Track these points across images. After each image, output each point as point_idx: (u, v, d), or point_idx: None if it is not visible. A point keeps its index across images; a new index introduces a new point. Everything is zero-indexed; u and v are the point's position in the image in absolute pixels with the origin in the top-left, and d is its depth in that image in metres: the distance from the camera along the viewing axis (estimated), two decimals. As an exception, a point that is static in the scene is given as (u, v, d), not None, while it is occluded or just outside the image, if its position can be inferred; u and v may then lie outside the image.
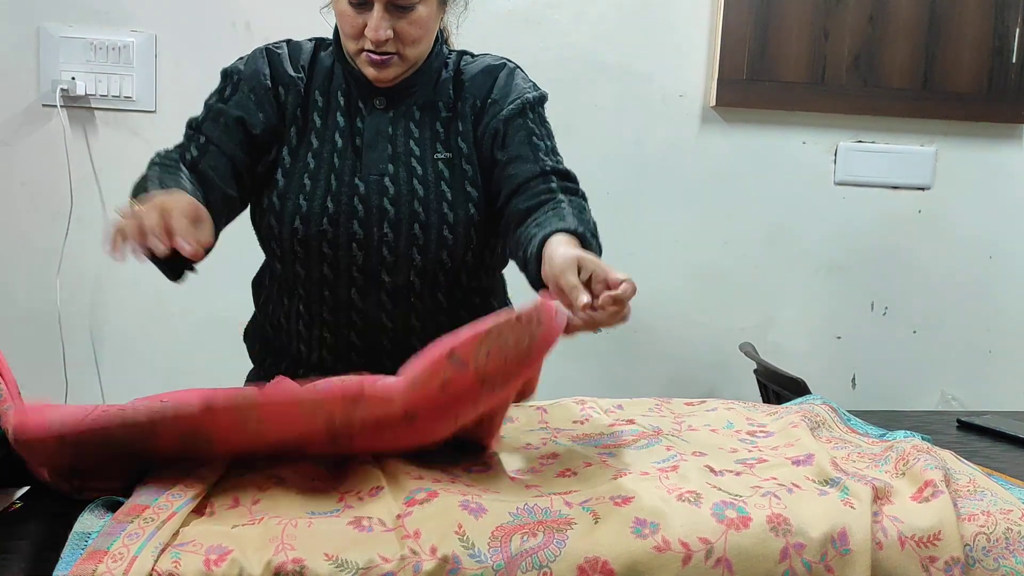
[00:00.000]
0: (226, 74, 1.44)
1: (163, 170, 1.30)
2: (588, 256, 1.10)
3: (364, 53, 1.36)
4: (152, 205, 1.06)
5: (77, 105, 2.23)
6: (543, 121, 1.47)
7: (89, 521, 0.91)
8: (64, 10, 2.21)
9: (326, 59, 1.45)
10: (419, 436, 1.03)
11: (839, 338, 2.55)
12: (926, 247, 2.53)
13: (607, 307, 1.05)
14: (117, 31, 2.23)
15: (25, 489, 1.02)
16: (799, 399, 1.48)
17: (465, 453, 1.10)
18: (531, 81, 1.50)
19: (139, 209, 1.06)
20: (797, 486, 1.01)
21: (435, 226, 1.40)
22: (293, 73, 1.43)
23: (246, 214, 1.50)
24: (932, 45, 2.43)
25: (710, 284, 2.48)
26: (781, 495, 0.98)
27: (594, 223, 1.30)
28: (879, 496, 1.00)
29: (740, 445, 1.19)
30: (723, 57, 2.37)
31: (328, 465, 1.05)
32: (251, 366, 1.57)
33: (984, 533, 0.97)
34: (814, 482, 1.03)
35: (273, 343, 1.53)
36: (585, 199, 1.40)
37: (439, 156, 1.42)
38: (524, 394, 1.18)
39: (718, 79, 2.37)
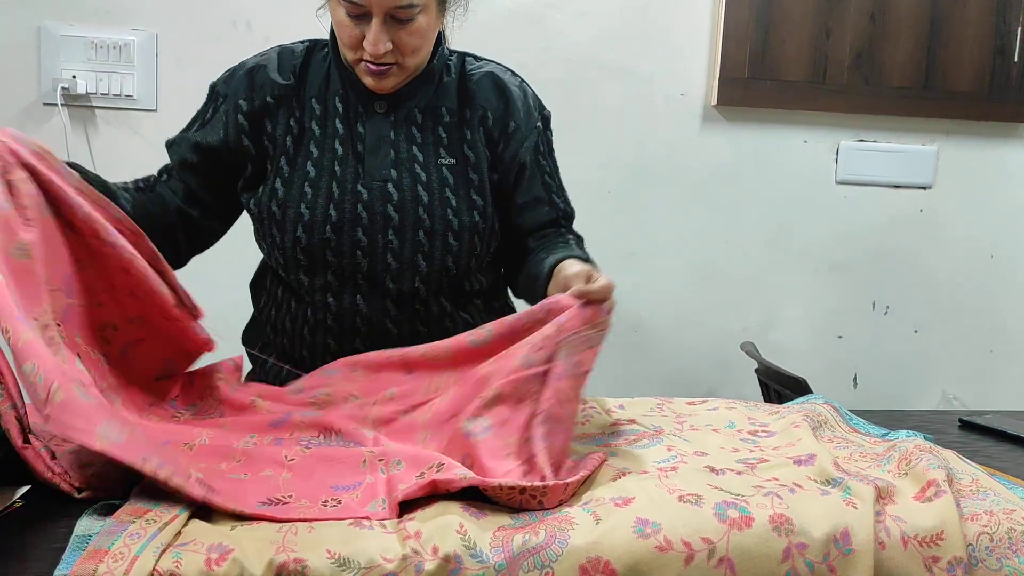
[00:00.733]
0: (211, 91, 1.46)
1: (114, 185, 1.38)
2: (598, 273, 1.19)
3: (363, 63, 1.35)
4: None
5: (78, 104, 2.23)
6: (551, 150, 1.52)
7: (89, 524, 0.91)
8: (65, 9, 2.21)
9: (321, 63, 1.44)
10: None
11: (840, 337, 2.54)
12: (927, 246, 2.53)
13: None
14: (118, 30, 2.23)
15: (26, 488, 1.02)
16: (801, 399, 1.48)
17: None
18: (537, 98, 1.52)
19: None
20: (799, 486, 1.01)
21: (440, 233, 1.39)
22: (283, 82, 1.42)
23: (244, 218, 1.50)
24: (934, 44, 2.43)
25: (711, 283, 2.47)
26: (783, 495, 0.98)
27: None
28: (882, 496, 1.00)
29: (742, 445, 1.19)
30: (724, 56, 2.37)
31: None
32: (250, 367, 1.57)
33: (987, 533, 0.96)
34: (816, 482, 1.03)
35: (274, 345, 1.52)
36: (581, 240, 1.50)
37: (443, 162, 1.42)
38: None
39: (719, 78, 2.37)
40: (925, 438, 1.23)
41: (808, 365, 2.42)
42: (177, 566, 0.83)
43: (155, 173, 1.48)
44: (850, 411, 1.37)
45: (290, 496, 0.98)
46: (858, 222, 2.50)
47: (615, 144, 2.40)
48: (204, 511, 0.95)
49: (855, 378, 2.56)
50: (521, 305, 1.50)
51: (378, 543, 0.88)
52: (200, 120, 1.46)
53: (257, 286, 1.57)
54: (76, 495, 1.01)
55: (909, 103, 2.43)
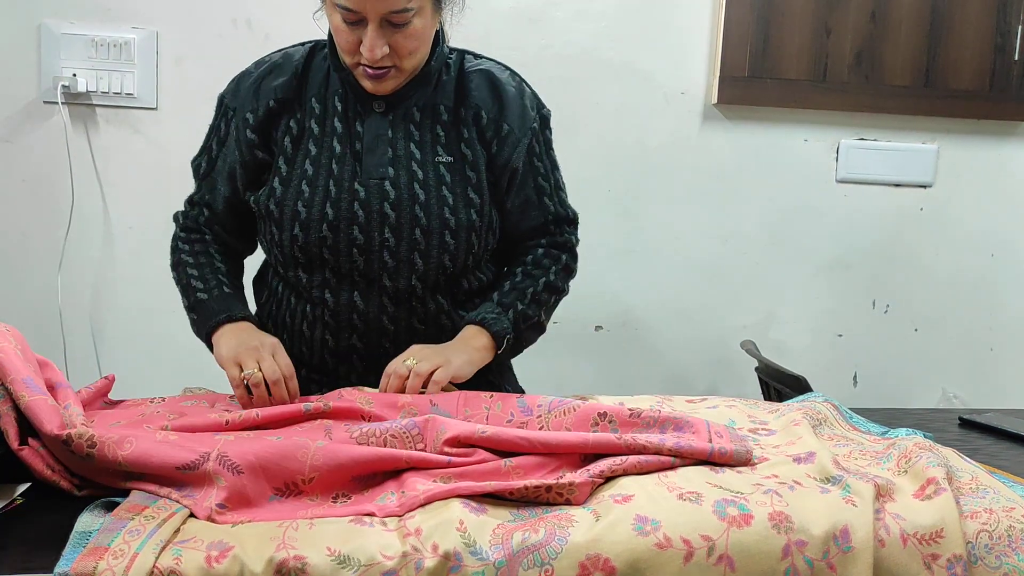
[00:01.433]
0: (220, 104, 1.48)
1: (202, 271, 1.45)
2: (410, 354, 1.33)
3: (361, 67, 1.35)
4: (270, 360, 1.29)
5: (78, 102, 2.23)
6: (548, 150, 1.51)
7: (89, 520, 0.91)
8: (65, 7, 2.20)
9: (322, 63, 1.44)
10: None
11: (840, 336, 2.54)
12: (928, 245, 2.53)
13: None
14: (118, 28, 2.23)
15: (27, 486, 1.02)
16: (801, 397, 1.48)
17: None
18: (536, 97, 1.51)
19: (264, 361, 1.29)
20: (799, 484, 1.01)
21: (437, 231, 1.39)
22: (285, 85, 1.42)
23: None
24: (934, 42, 2.42)
25: (711, 281, 2.47)
26: (783, 493, 0.98)
27: (525, 298, 1.45)
28: (881, 494, 1.00)
29: (742, 443, 1.19)
30: (725, 54, 2.37)
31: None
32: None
33: (986, 531, 0.96)
34: (816, 480, 1.03)
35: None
36: (566, 248, 1.52)
37: (440, 160, 1.42)
38: None
39: (720, 76, 2.37)
40: (925, 436, 1.23)
41: (808, 363, 2.43)
42: (177, 563, 0.83)
43: (195, 217, 1.51)
44: (850, 409, 1.37)
45: (311, 479, 0.98)
46: (858, 220, 2.50)
47: (615, 142, 2.40)
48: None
49: (855, 376, 2.56)
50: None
51: (378, 540, 0.88)
52: (216, 135, 1.48)
53: (259, 283, 1.58)
54: (76, 492, 1.01)
55: (910, 102, 2.43)
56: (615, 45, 2.37)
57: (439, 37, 1.43)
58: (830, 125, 2.46)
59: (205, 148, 1.50)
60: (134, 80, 2.23)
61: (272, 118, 1.43)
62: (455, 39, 1.51)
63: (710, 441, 1.09)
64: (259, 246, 1.53)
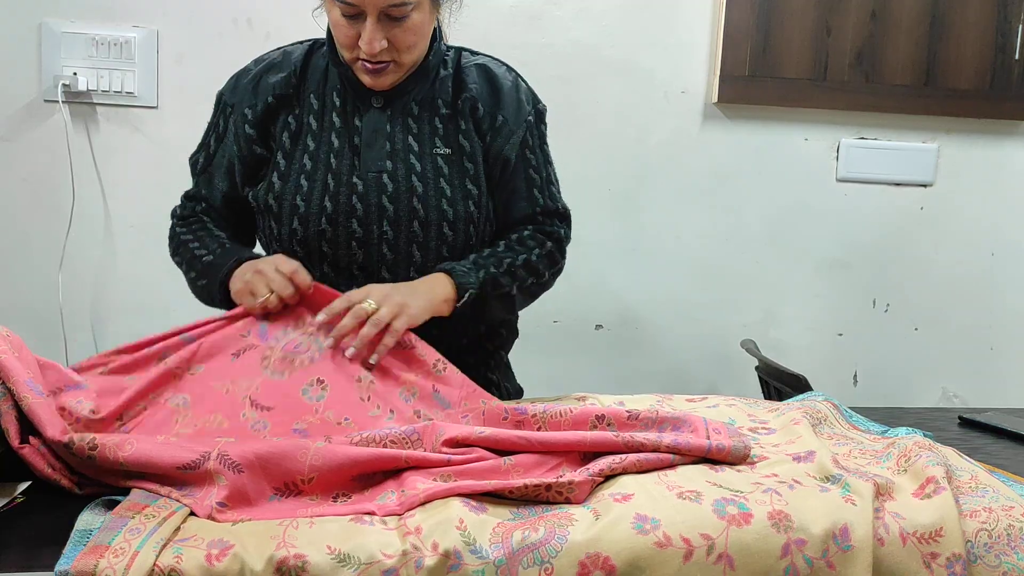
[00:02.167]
0: (218, 100, 1.48)
1: (203, 240, 1.45)
2: (368, 292, 1.29)
3: (360, 62, 1.36)
4: (275, 274, 1.28)
5: (79, 101, 2.23)
6: (541, 145, 1.51)
7: (89, 519, 0.92)
8: (66, 6, 2.20)
9: (320, 61, 1.45)
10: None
11: (840, 335, 2.54)
12: (928, 244, 2.53)
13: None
14: (119, 26, 2.23)
15: (27, 484, 1.03)
16: (801, 396, 1.48)
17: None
18: (532, 92, 1.51)
19: (273, 283, 1.28)
20: (798, 482, 1.01)
21: (435, 223, 1.40)
22: (284, 82, 1.43)
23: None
24: (935, 42, 2.42)
25: (711, 280, 2.47)
26: (782, 491, 0.98)
27: (501, 266, 1.42)
28: (881, 492, 1.00)
29: (741, 441, 1.19)
30: (725, 53, 2.37)
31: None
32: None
33: (986, 529, 0.97)
34: (815, 478, 1.03)
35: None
36: (553, 237, 1.50)
37: (438, 151, 1.42)
38: None
39: (720, 75, 2.37)
40: (925, 435, 1.23)
41: (808, 362, 2.42)
42: (178, 561, 0.84)
43: (191, 208, 1.51)
44: (850, 408, 1.38)
45: (311, 479, 0.99)
46: (859, 220, 2.49)
47: (615, 141, 2.40)
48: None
49: (855, 375, 2.56)
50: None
51: (378, 539, 0.88)
52: (214, 132, 1.48)
53: None
54: (77, 491, 1.01)
55: (910, 101, 2.43)
56: (616, 44, 2.37)
57: (436, 34, 1.44)
58: (830, 124, 2.46)
59: (203, 144, 1.50)
60: (135, 79, 2.24)
61: (271, 114, 1.43)
62: (455, 37, 1.52)
63: (708, 437, 1.09)
64: (258, 243, 1.53)
